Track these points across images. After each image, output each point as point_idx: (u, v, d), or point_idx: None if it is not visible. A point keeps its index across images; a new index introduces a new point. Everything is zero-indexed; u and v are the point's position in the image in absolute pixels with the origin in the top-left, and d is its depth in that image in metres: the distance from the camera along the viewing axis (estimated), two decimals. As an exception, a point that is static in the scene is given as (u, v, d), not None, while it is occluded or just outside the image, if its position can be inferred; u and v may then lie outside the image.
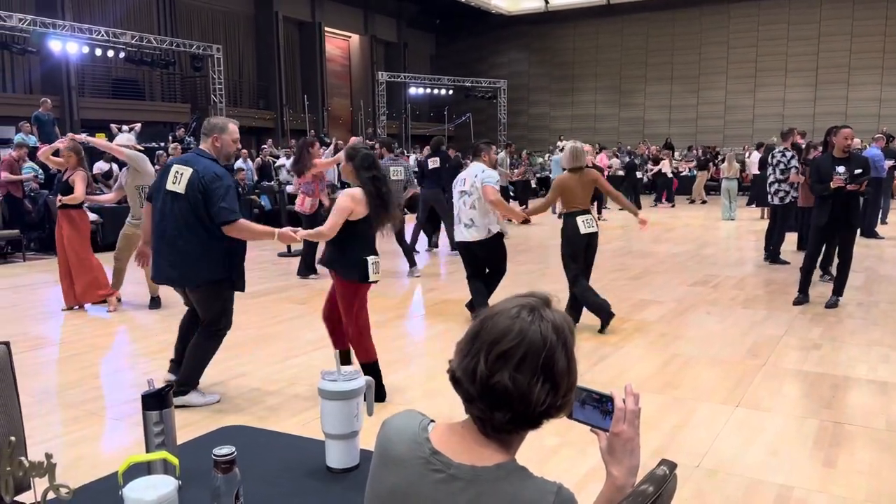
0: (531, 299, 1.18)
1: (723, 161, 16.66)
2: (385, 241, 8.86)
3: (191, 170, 3.90)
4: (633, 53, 26.90)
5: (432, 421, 1.23)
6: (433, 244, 10.73)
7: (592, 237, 5.67)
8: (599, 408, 1.26)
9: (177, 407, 3.90)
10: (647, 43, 26.63)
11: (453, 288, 7.59)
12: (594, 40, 27.59)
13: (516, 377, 1.11)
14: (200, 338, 4.11)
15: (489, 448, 1.15)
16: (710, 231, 13.12)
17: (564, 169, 5.77)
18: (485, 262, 5.85)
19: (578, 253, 5.67)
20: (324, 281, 8.09)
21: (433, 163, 9.77)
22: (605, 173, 14.94)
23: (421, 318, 6.37)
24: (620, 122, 27.28)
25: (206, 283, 3.98)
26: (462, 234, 5.76)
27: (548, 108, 28.82)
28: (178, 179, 3.90)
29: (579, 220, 5.58)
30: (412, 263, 8.51)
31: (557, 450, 3.39)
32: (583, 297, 5.70)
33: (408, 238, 8.98)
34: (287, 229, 4.12)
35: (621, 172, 17.76)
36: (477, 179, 5.63)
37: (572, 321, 1.19)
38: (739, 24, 25.14)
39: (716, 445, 3.54)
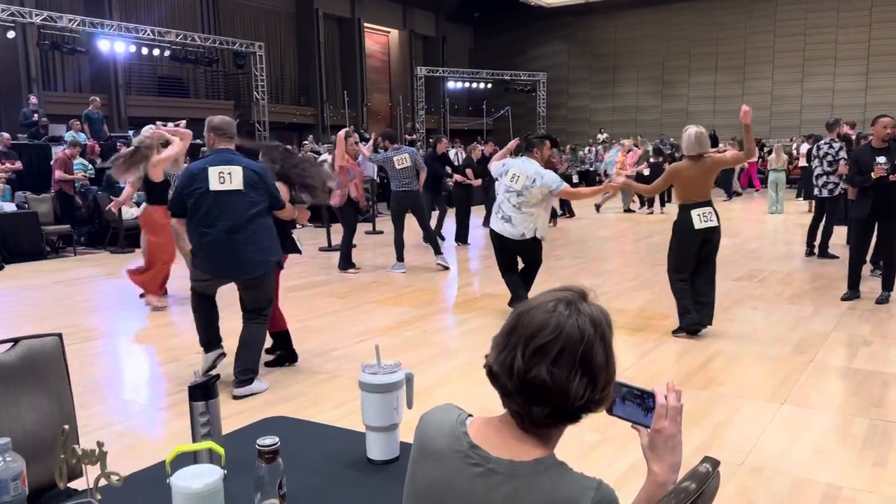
0: (567, 293, 1.17)
1: (770, 153, 16.27)
2: (414, 235, 8.96)
3: (239, 167, 4.06)
4: (677, 43, 26.41)
5: (470, 415, 1.24)
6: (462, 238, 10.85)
7: (710, 232, 5.10)
8: (641, 404, 1.24)
9: (242, 397, 4.11)
10: (690, 33, 26.12)
11: (491, 282, 7.58)
12: (636, 31, 27.17)
13: (554, 371, 1.10)
14: (257, 326, 4.27)
15: (527, 443, 1.15)
16: (755, 224, 12.85)
17: (682, 156, 5.31)
18: (518, 255, 5.80)
19: (690, 250, 5.14)
20: (364, 275, 8.17)
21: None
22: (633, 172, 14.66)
23: (459, 313, 6.37)
24: (663, 114, 26.84)
25: (272, 268, 4.23)
26: (497, 225, 5.67)
27: (588, 101, 28.51)
28: (227, 178, 4.03)
29: (694, 213, 5.05)
30: (438, 251, 8.54)
31: (597, 445, 3.37)
32: (678, 298, 5.26)
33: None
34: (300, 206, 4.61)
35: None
36: (534, 185, 5.42)
37: (609, 315, 1.18)
38: (787, 13, 24.47)
39: (761, 443, 3.47)
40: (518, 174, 5.52)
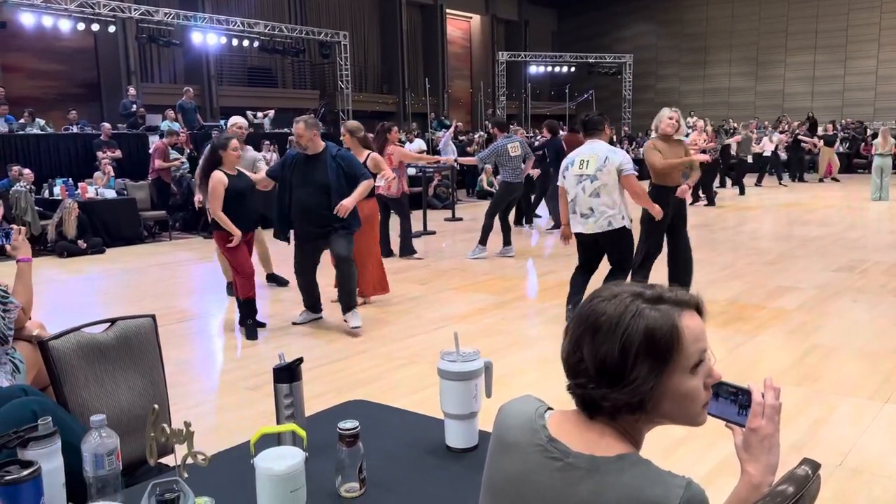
0: (643, 288, 1.13)
1: (874, 136, 15.32)
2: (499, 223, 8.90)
3: None
4: (773, 22, 25.12)
5: (550, 408, 1.20)
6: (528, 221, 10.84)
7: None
8: (735, 401, 1.17)
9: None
10: (787, 10, 24.79)
11: (570, 270, 7.44)
12: (729, 8, 26.01)
13: (595, 355, 1.09)
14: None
15: (609, 438, 1.11)
16: (856, 212, 12.12)
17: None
18: (607, 254, 5.19)
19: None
20: (443, 262, 8.19)
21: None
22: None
23: (538, 301, 6.30)
24: (757, 96, 25.64)
25: None
26: (577, 226, 5.06)
27: (677, 83, 27.54)
28: None
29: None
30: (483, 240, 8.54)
31: (684, 441, 3.26)
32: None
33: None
34: None
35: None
36: (608, 163, 4.88)
37: (673, 332, 1.10)
38: (894, -15, 22.89)
39: (861, 443, 3.27)
40: (587, 158, 4.95)
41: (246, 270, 5.24)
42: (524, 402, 1.22)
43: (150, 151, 11.81)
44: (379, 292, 6.28)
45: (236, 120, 6.87)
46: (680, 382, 1.10)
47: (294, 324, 5.57)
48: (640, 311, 1.09)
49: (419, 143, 15.44)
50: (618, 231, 4.97)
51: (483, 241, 8.33)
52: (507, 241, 8.54)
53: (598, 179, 4.90)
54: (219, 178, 5.07)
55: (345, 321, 5.34)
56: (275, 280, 7.09)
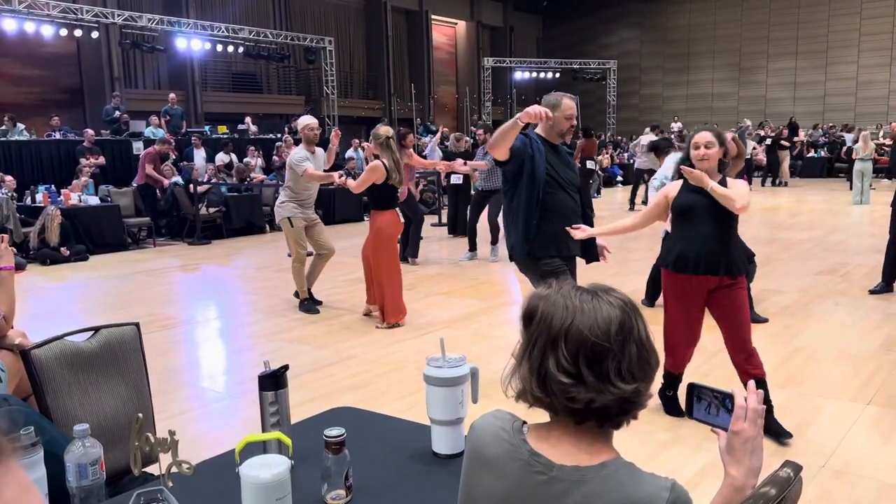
0: (577, 290, 1.17)
1: (855, 141, 15.50)
2: (483, 230, 8.91)
3: None
4: (755, 28, 25.39)
5: (524, 422, 1.21)
6: None
7: None
8: (719, 405, 1.19)
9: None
10: (769, 17, 25.06)
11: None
12: (712, 15, 26.26)
13: (631, 354, 1.11)
14: None
15: (588, 445, 1.12)
16: (838, 216, 12.26)
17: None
18: None
19: None
20: (431, 267, 8.19)
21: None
22: None
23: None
24: (740, 102, 25.88)
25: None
26: None
27: (661, 89, 27.75)
28: None
29: None
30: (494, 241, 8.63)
31: (669, 445, 3.27)
32: None
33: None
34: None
35: None
36: None
37: (627, 309, 1.13)
38: (874, -8, 23.22)
39: (844, 445, 3.30)
40: None
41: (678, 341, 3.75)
42: (497, 417, 1.22)
43: (141, 157, 11.60)
44: (400, 317, 5.63)
45: (307, 120, 6.24)
46: None
47: None
48: (610, 302, 1.13)
49: None
50: None
51: None
52: (494, 241, 8.59)
53: None
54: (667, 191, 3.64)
55: None
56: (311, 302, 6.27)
